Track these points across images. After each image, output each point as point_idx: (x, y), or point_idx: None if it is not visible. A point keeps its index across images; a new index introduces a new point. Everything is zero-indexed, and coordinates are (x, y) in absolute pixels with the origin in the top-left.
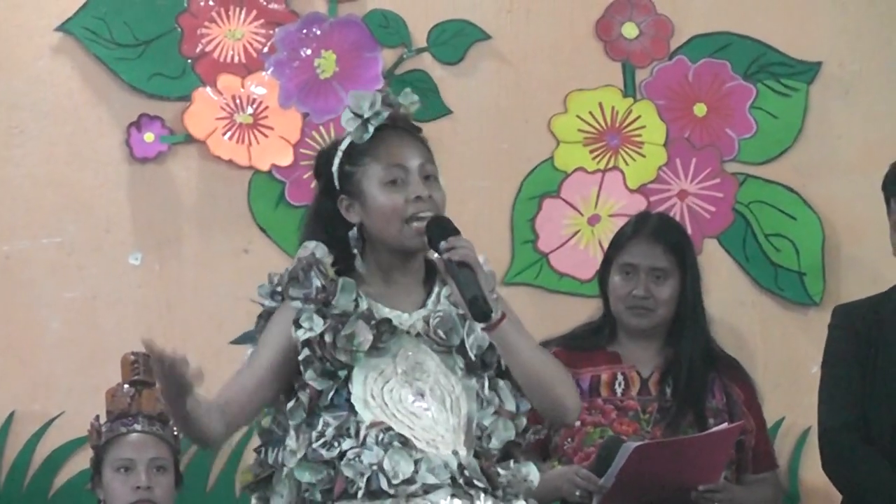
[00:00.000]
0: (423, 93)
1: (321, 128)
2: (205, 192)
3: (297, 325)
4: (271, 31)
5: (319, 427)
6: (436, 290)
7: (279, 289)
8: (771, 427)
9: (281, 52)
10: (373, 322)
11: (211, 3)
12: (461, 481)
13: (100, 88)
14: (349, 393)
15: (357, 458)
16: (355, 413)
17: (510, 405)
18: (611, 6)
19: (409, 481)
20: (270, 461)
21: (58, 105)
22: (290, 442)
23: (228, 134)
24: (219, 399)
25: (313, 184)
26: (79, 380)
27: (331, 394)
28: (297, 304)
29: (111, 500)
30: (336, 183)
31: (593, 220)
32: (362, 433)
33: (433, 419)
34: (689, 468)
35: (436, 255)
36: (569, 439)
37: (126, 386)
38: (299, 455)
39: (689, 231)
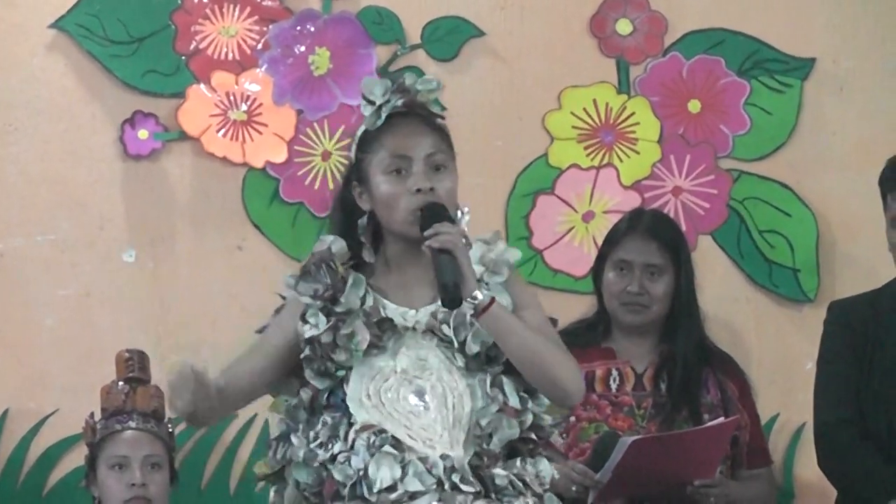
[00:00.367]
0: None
1: (315, 125)
2: (199, 189)
3: (304, 321)
4: (265, 28)
5: (318, 427)
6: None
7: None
8: (765, 423)
9: (275, 49)
10: (374, 321)
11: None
12: (447, 486)
13: (94, 85)
14: (345, 393)
15: (347, 462)
16: (349, 414)
17: (514, 402)
18: (605, 3)
19: (392, 489)
20: (279, 456)
21: (52, 102)
22: (294, 439)
23: (222, 131)
24: (218, 381)
25: (307, 179)
26: (73, 377)
27: (327, 394)
28: (306, 299)
29: (106, 498)
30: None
31: (587, 217)
32: (350, 436)
33: (432, 418)
34: (685, 463)
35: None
36: (563, 435)
37: (121, 383)
38: (300, 454)
39: (684, 227)
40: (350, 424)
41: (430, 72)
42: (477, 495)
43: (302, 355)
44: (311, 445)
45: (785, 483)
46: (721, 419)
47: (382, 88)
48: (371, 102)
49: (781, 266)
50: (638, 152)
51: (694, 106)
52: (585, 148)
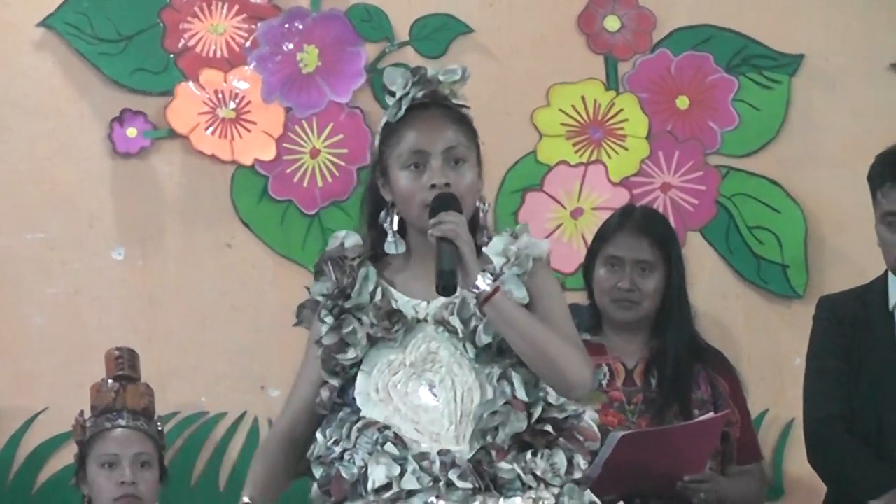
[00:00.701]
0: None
1: (304, 122)
2: (188, 187)
3: (321, 321)
4: (254, 26)
5: (333, 424)
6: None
7: None
8: (755, 419)
9: (263, 47)
10: (383, 313)
11: None
12: (442, 483)
13: (82, 84)
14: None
15: (350, 461)
16: (357, 410)
17: (522, 395)
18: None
19: (387, 487)
20: (308, 454)
21: (41, 100)
22: (318, 436)
23: (211, 129)
24: (283, 426)
25: (296, 176)
26: (63, 375)
27: (339, 391)
28: (320, 298)
29: (96, 496)
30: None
31: (576, 214)
32: (353, 434)
33: (440, 412)
34: (676, 457)
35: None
36: None
37: (110, 381)
38: (318, 451)
39: (672, 224)
40: (354, 422)
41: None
42: (476, 491)
43: (318, 354)
44: (328, 443)
45: (774, 478)
46: (711, 415)
47: (404, 80)
48: (392, 94)
49: (770, 262)
50: (626, 149)
51: (682, 102)
52: (574, 144)
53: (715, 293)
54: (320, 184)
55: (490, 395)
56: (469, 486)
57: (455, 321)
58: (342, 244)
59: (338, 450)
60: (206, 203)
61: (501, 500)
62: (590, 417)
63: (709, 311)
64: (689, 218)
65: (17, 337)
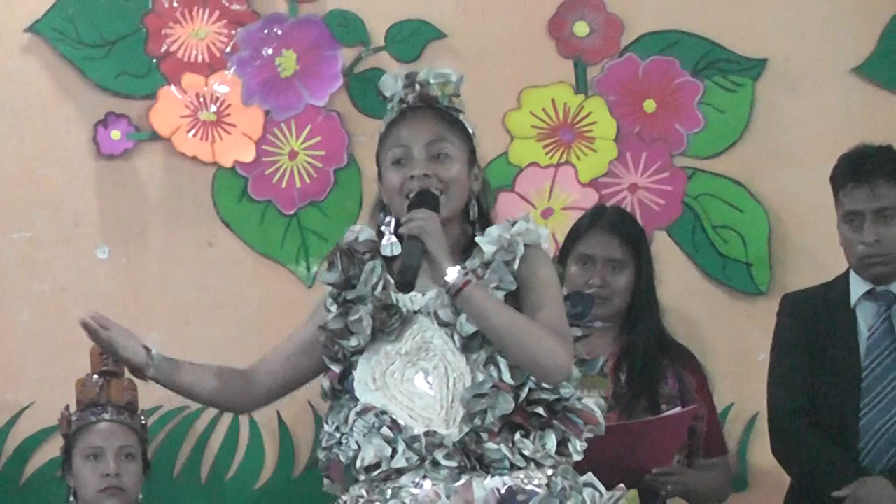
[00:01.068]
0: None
1: (283, 125)
2: (170, 188)
3: (327, 309)
4: (233, 31)
5: (335, 411)
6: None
7: None
8: (720, 412)
9: (243, 52)
10: (381, 306)
11: (175, 3)
12: (428, 462)
13: (68, 87)
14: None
15: (347, 444)
16: (356, 397)
17: (508, 378)
18: (563, 5)
19: (376, 466)
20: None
21: (27, 103)
22: (324, 424)
23: (193, 131)
24: (252, 365)
25: (275, 177)
26: (49, 370)
27: (340, 378)
28: (328, 287)
29: (81, 487)
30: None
31: (546, 214)
32: (351, 419)
33: (433, 398)
34: (644, 451)
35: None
36: None
37: (95, 376)
38: (322, 440)
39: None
40: (351, 408)
41: (393, 72)
42: (463, 470)
43: (320, 340)
44: (331, 430)
45: (739, 471)
46: (679, 409)
47: (393, 83)
48: (386, 98)
49: (735, 260)
50: (595, 150)
51: (649, 105)
52: (544, 146)
53: (681, 290)
54: (298, 184)
55: (479, 379)
56: (454, 464)
57: (443, 312)
58: (356, 237)
59: (337, 435)
60: (188, 203)
61: (488, 478)
62: (595, 403)
63: (675, 307)
64: (656, 217)
65: (3, 333)
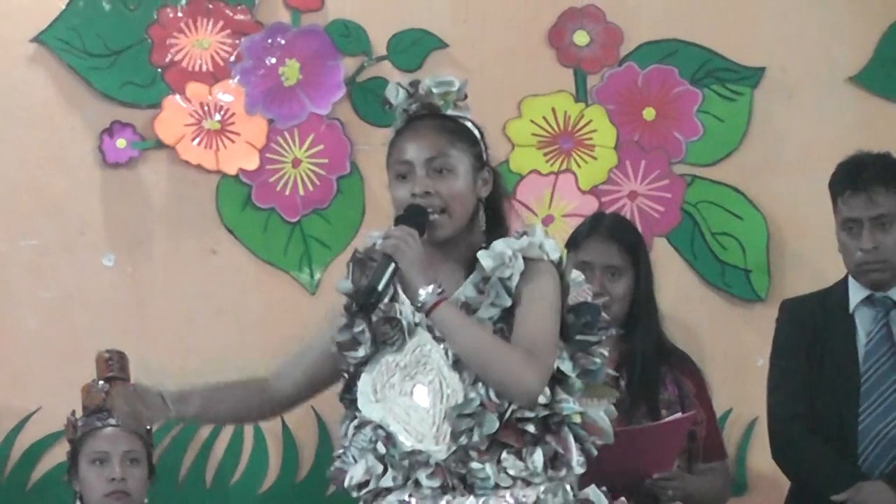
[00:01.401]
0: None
1: (286, 133)
2: (174, 196)
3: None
4: (237, 41)
5: (344, 420)
6: (469, 281)
7: None
8: (719, 418)
9: (247, 61)
10: (383, 318)
11: (179, 14)
12: (411, 482)
13: (73, 97)
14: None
15: (346, 457)
16: (357, 409)
17: (493, 397)
18: (563, 15)
19: (364, 485)
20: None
21: (33, 113)
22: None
23: (197, 140)
24: (273, 371)
25: (278, 185)
26: (55, 376)
27: (346, 388)
28: (342, 297)
29: (87, 491)
30: None
31: (547, 221)
32: (350, 432)
33: (427, 413)
34: (644, 457)
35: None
36: None
37: (100, 382)
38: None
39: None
40: (351, 420)
41: (396, 81)
42: (445, 490)
43: (333, 350)
44: (341, 439)
45: (738, 475)
46: (678, 415)
47: (396, 93)
48: (391, 107)
49: (733, 267)
50: (595, 158)
51: (649, 114)
52: (545, 154)
53: (680, 297)
54: (301, 192)
55: (470, 396)
56: (435, 484)
57: (437, 328)
58: (374, 245)
59: (343, 447)
60: (192, 211)
61: (471, 498)
62: (605, 412)
63: (674, 314)
64: (656, 224)
65: (10, 340)
